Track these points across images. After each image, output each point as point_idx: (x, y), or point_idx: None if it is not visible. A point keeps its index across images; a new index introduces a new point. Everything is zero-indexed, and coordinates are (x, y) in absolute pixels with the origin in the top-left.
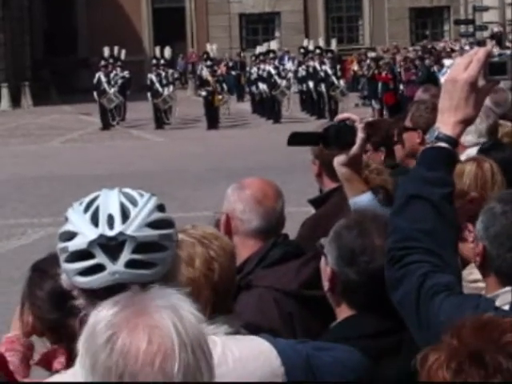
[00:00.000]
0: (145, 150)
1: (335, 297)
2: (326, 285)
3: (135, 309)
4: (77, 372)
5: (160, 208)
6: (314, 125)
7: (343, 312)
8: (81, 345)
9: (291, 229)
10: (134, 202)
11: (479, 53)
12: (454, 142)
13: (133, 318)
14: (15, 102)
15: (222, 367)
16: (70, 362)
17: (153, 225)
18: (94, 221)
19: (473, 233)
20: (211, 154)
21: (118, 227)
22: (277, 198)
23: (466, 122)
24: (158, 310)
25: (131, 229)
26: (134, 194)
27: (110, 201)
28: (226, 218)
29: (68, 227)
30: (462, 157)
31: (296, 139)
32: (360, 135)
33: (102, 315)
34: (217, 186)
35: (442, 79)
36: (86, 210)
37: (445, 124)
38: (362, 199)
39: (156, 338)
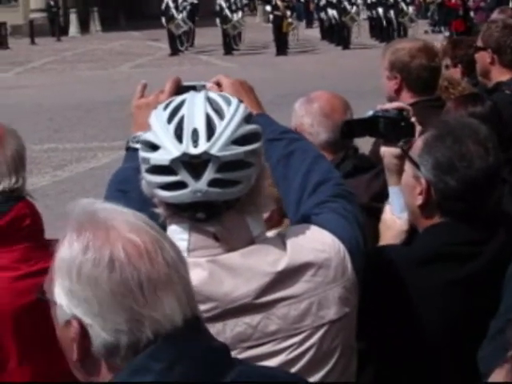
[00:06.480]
0: (213, 75)
1: (427, 208)
2: (418, 198)
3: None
4: None
5: (247, 119)
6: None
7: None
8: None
9: (363, 150)
10: (221, 113)
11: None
12: None
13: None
14: (84, 27)
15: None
16: None
17: (239, 141)
18: (178, 134)
19: None
20: (280, 79)
21: (203, 145)
22: (345, 110)
23: None
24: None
25: (216, 148)
26: (221, 101)
27: (195, 111)
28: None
29: (150, 137)
30: None
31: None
32: (418, 128)
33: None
34: (286, 112)
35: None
36: (170, 119)
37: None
38: (396, 191)
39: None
